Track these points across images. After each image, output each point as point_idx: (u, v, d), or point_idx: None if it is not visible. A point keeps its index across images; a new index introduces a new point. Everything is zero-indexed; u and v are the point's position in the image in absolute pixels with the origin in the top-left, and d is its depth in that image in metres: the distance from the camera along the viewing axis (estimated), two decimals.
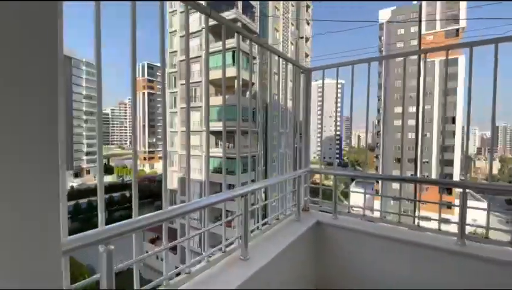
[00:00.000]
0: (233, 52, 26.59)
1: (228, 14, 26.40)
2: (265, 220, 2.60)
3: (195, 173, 29.54)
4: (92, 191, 57.63)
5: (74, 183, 68.01)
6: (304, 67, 3.21)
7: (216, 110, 28.00)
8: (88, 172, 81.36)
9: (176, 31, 32.77)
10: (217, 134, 28.50)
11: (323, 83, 3.16)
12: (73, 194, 56.22)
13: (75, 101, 79.03)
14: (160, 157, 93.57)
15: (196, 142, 29.87)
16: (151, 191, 56.91)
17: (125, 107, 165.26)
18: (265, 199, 2.65)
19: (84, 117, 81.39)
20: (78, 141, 79.21)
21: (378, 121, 52.96)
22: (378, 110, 49.90)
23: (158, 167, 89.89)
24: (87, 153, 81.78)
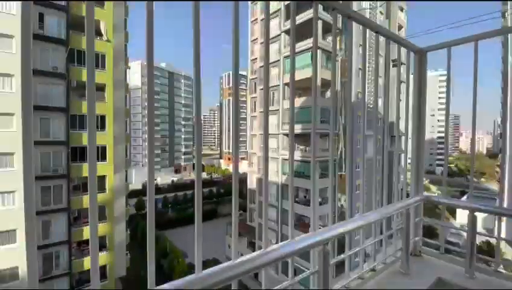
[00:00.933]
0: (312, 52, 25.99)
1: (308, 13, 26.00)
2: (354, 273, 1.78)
3: (272, 175, 30.25)
4: (187, 186, 67.19)
5: (174, 178, 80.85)
6: (415, 47, 2.38)
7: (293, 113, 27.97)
8: (185, 169, 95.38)
9: (256, 39, 34.58)
10: (294, 136, 28.42)
11: (448, 69, 2.27)
12: (173, 187, 66.88)
13: (176, 110, 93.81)
14: (242, 158, 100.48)
15: (273, 144, 30.60)
16: (231, 189, 61.49)
17: (214, 113, 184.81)
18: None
19: (183, 122, 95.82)
20: (178, 142, 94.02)
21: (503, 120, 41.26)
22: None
23: (241, 167, 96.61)
24: (185, 153, 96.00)
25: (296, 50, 26.64)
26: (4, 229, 17.88)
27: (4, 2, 17.65)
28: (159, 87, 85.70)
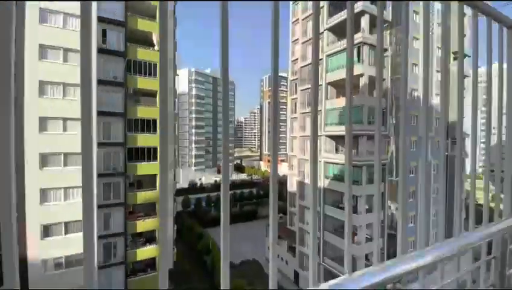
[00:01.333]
0: (358, 47, 24.25)
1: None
2: None
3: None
4: (230, 186, 69.25)
5: (217, 178, 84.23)
6: (509, 20, 1.74)
7: (336, 113, 26.72)
8: None
9: (297, 39, 34.03)
10: (337, 139, 27.03)
11: None
12: (216, 187, 69.63)
13: (219, 113, 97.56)
14: (282, 160, 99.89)
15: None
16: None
17: (255, 115, 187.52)
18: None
19: None
20: (220, 144, 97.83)
21: None
22: None
23: (279, 169, 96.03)
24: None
25: (341, 48, 25.42)
26: (74, 219, 20.62)
27: (72, 21, 20.48)
28: (204, 92, 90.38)
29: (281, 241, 36.07)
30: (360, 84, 24.02)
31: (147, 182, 25.55)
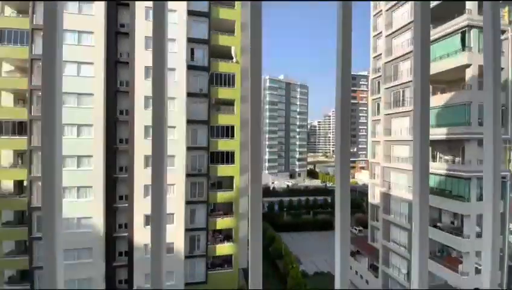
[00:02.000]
0: (463, 33, 20.22)
1: None
2: None
3: (402, 191, 25.56)
4: (302, 191, 68.18)
5: (289, 183, 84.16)
6: None
7: (432, 114, 22.63)
8: (299, 175, 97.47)
9: (380, 33, 30.83)
10: (434, 144, 22.86)
11: None
12: (289, 191, 69.51)
13: (292, 117, 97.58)
14: (362, 168, 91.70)
15: (403, 153, 25.91)
16: (352, 202, 56.58)
17: (329, 119, 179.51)
18: None
19: (298, 130, 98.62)
20: (293, 149, 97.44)
21: None
22: None
23: (358, 177, 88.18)
24: (299, 159, 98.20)
25: (436, 35, 21.62)
26: (167, 212, 24.09)
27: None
28: (277, 98, 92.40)
29: (361, 257, 32.91)
30: (467, 77, 19.71)
31: (227, 183, 27.65)
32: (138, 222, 23.85)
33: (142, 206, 23.69)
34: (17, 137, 22.68)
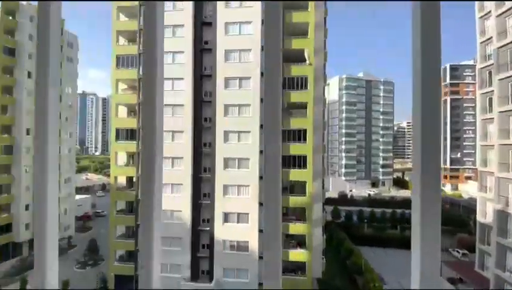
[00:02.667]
0: None
1: None
2: None
3: None
4: (386, 202, 60.47)
5: (371, 191, 76.00)
6: None
7: None
8: (383, 183, 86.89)
9: (489, 12, 24.64)
10: None
11: None
12: (370, 201, 62.78)
13: (374, 118, 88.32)
14: (468, 178, 74.85)
15: None
16: (450, 218, 46.80)
17: None
18: None
19: (381, 132, 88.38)
20: (375, 154, 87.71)
21: None
22: None
23: (463, 189, 72.28)
24: (383, 166, 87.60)
25: None
26: (242, 212, 25.44)
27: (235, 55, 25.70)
28: (356, 98, 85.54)
29: (465, 286, 26.68)
30: None
31: (299, 188, 27.21)
32: (218, 218, 26.10)
33: (221, 204, 25.84)
34: (129, 142, 28.40)
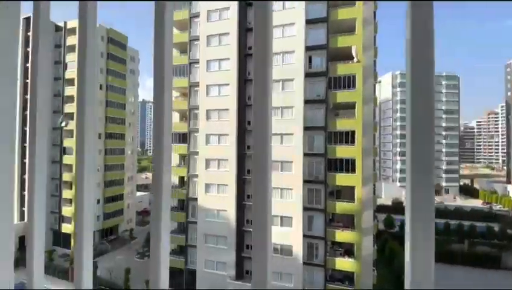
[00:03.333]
0: None
1: None
2: None
3: None
4: (450, 213, 53.28)
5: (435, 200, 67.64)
6: None
7: None
8: (447, 191, 76.69)
9: None
10: None
11: None
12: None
13: (436, 118, 78.84)
14: None
15: None
16: None
17: (496, 117, 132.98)
18: None
19: (444, 133, 78.45)
20: (436, 157, 78.04)
21: None
22: None
23: None
24: (446, 171, 77.43)
25: None
26: (286, 215, 25.16)
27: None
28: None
29: None
30: None
31: (346, 193, 25.76)
32: None
33: None
34: (181, 144, 30.66)
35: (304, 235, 25.08)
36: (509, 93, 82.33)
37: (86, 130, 0.92)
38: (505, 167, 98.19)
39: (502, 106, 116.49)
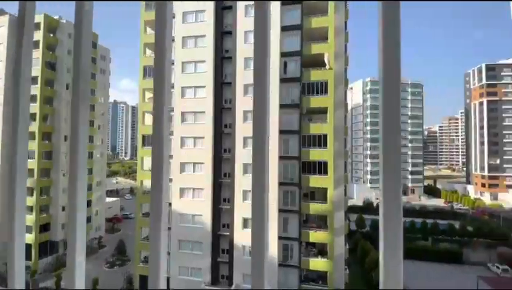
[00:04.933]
0: None
1: None
2: None
3: None
4: (416, 212, 56.81)
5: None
6: None
7: None
8: (413, 191, 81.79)
9: None
10: None
11: None
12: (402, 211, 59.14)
13: (402, 122, 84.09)
14: (508, 186, 68.25)
15: None
16: (489, 230, 42.82)
17: (456, 123, 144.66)
18: None
19: (409, 137, 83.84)
20: (404, 159, 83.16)
21: None
22: None
23: (505, 197, 66.08)
24: (412, 173, 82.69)
25: None
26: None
27: None
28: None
29: None
30: None
31: (320, 194, 26.56)
32: (237, 223, 26.25)
33: (241, 209, 25.99)
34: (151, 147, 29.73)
35: (279, 237, 25.39)
36: (466, 101, 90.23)
37: (19, 130, 0.95)
38: (464, 169, 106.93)
39: (461, 112, 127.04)
